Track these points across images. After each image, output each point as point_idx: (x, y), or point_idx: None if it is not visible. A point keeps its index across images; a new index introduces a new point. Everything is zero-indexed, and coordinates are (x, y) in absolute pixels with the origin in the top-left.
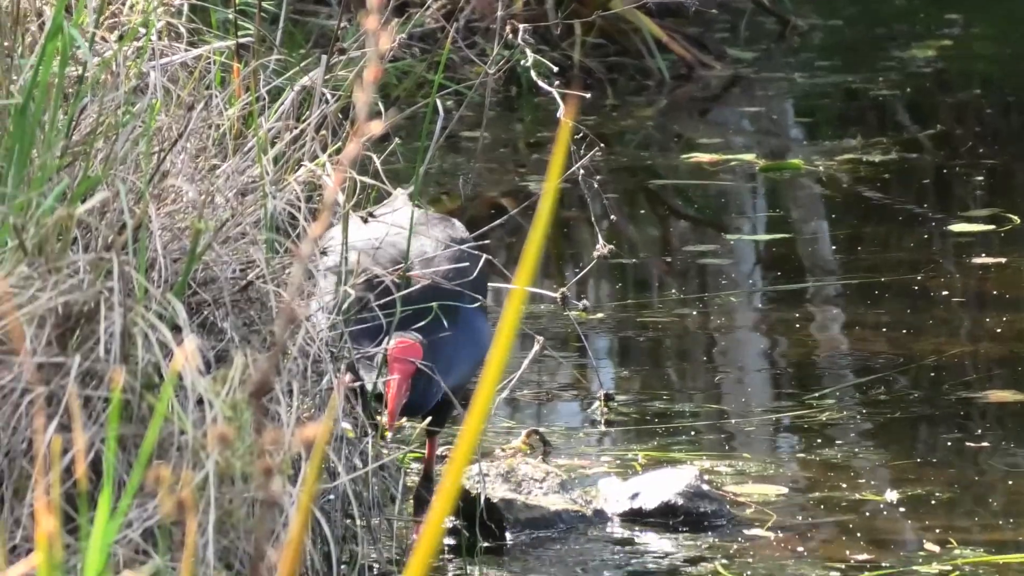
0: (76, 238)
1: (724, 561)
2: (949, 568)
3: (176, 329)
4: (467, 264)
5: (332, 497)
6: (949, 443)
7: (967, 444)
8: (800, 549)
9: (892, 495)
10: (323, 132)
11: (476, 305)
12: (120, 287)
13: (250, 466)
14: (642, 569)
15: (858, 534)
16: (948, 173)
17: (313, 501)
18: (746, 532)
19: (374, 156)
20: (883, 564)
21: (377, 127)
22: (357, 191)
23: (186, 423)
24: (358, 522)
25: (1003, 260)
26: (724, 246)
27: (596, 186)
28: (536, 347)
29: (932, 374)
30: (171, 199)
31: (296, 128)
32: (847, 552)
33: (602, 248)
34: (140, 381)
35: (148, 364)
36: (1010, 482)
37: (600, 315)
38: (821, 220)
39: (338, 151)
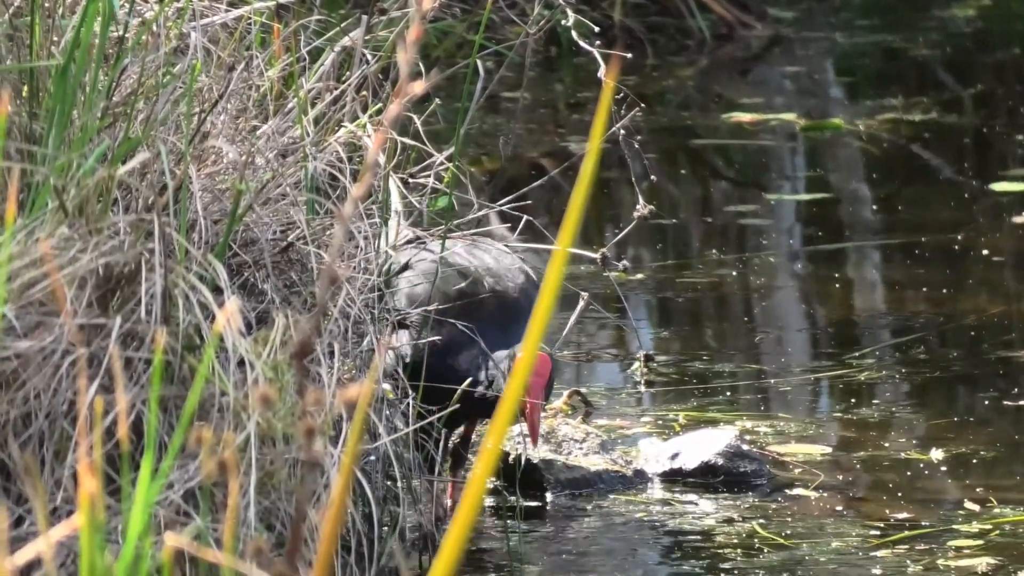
0: (117, 199)
1: (762, 521)
2: (989, 527)
3: (217, 290)
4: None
5: (373, 458)
6: (989, 402)
7: (1007, 403)
8: (840, 508)
9: (937, 454)
10: (364, 93)
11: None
12: (161, 248)
13: (291, 427)
14: (682, 529)
15: (899, 493)
16: (988, 132)
17: (355, 462)
18: (787, 492)
19: (415, 117)
20: (923, 523)
21: (418, 88)
22: (398, 152)
23: (227, 384)
24: (399, 483)
25: None
26: (764, 206)
27: (636, 146)
28: (581, 303)
29: (972, 333)
30: (212, 160)
31: (337, 89)
32: (887, 511)
33: (642, 208)
34: (181, 342)
35: (189, 325)
36: None
37: (640, 276)
38: (861, 180)
39: (379, 112)
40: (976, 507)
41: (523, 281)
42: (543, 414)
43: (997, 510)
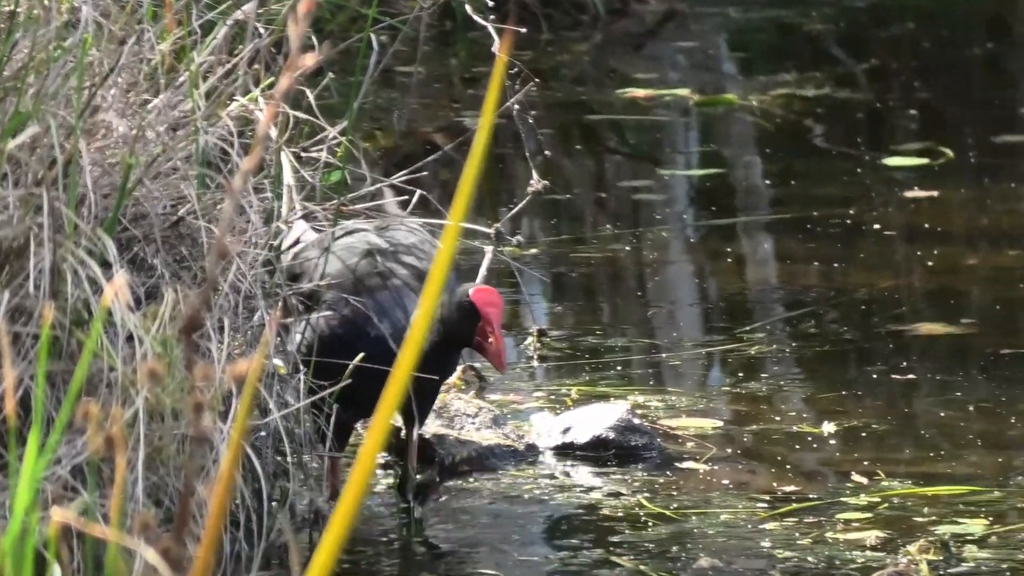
0: (6, 173)
1: (651, 494)
2: (878, 500)
3: (106, 265)
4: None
5: (263, 434)
6: (879, 376)
7: (897, 377)
8: (730, 482)
9: (829, 427)
10: (256, 66)
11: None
12: (50, 223)
13: (180, 402)
14: (572, 502)
15: (788, 466)
16: (882, 108)
17: (244, 437)
18: (677, 465)
19: (307, 91)
20: (812, 496)
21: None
22: (291, 126)
23: (116, 359)
24: (289, 459)
25: (935, 194)
26: (658, 181)
27: (531, 121)
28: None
29: (863, 307)
30: (102, 134)
31: (229, 62)
32: (776, 484)
33: (536, 183)
34: (69, 317)
35: (78, 300)
36: (941, 414)
37: (534, 251)
38: (754, 155)
39: (271, 85)
40: (865, 480)
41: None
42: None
43: (886, 483)
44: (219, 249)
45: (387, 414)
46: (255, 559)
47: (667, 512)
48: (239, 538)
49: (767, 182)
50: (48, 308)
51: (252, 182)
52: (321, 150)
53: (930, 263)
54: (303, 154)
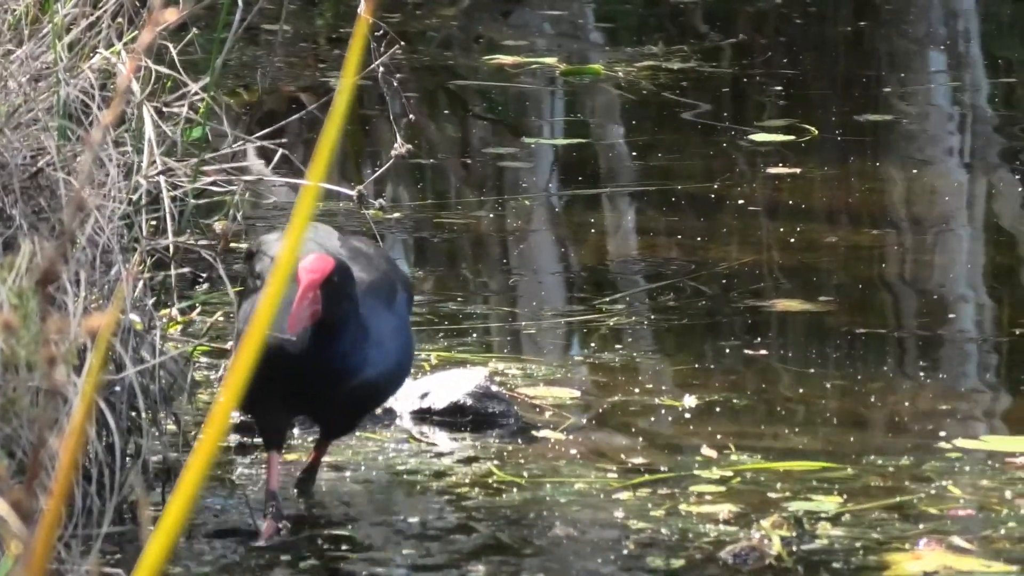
0: None
1: (506, 461)
2: (731, 474)
3: None
4: (396, 269)
5: (118, 389)
6: (735, 350)
7: (753, 352)
8: (585, 451)
9: (689, 400)
10: (119, 20)
11: (408, 309)
12: None
13: (35, 355)
14: (426, 468)
15: (644, 439)
16: (747, 82)
17: (98, 392)
18: (533, 434)
19: (171, 46)
20: (667, 468)
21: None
22: (153, 81)
23: None
24: (143, 415)
25: (798, 171)
26: (523, 149)
27: (396, 85)
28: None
29: (723, 282)
30: None
31: (92, 15)
32: (632, 455)
33: (400, 147)
34: None
35: None
36: (797, 391)
37: (397, 215)
38: (619, 126)
39: (134, 39)
40: (719, 454)
41: (383, 264)
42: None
43: (740, 458)
44: (76, 201)
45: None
46: (107, 514)
47: (521, 480)
48: (91, 493)
49: (631, 154)
50: None
51: (113, 136)
52: (183, 105)
53: (791, 239)
54: (165, 109)
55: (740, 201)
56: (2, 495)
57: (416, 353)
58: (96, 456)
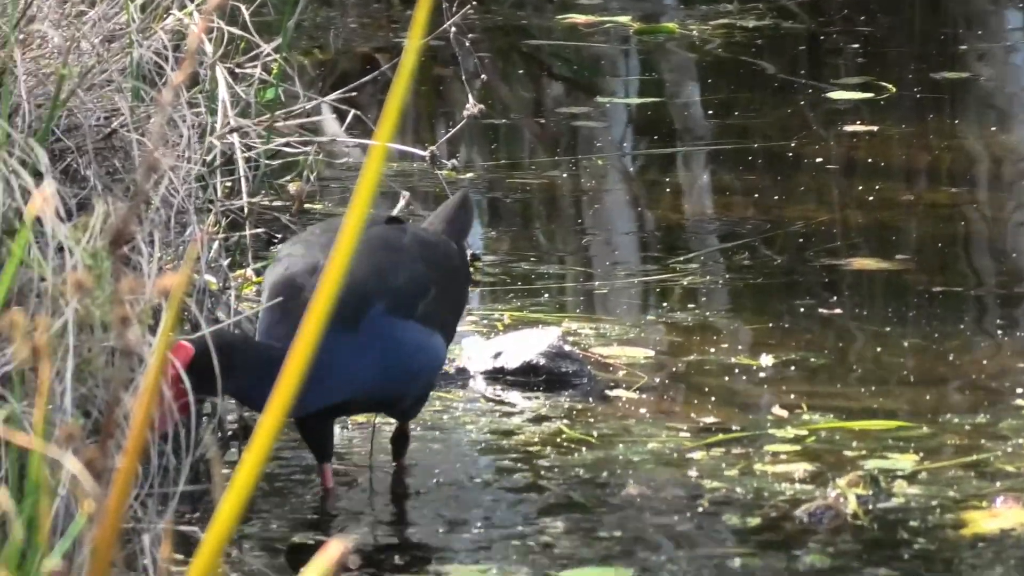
0: None
1: (578, 421)
2: (806, 433)
3: (38, 176)
4: (392, 270)
5: None
6: (811, 310)
7: (828, 311)
8: (659, 411)
9: (767, 359)
10: None
11: (399, 314)
12: None
13: (110, 315)
14: (498, 428)
15: (714, 398)
16: (823, 40)
17: (169, 350)
18: (607, 393)
19: (243, 7)
20: (741, 428)
21: None
22: (226, 42)
23: (46, 270)
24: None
25: (875, 128)
26: (597, 109)
27: (468, 45)
28: (401, 202)
29: (799, 241)
30: (37, 44)
31: None
32: (706, 415)
33: (472, 107)
34: (1, 227)
35: (9, 210)
36: (875, 349)
37: (471, 175)
38: (694, 85)
39: (206, 1)
40: (793, 413)
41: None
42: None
43: (815, 417)
44: (149, 162)
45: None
46: (183, 472)
47: (593, 439)
48: (167, 452)
49: (707, 112)
50: None
51: (186, 97)
52: (256, 67)
53: (869, 198)
54: (238, 70)
55: (817, 159)
56: (76, 454)
57: (489, 313)
58: (172, 415)
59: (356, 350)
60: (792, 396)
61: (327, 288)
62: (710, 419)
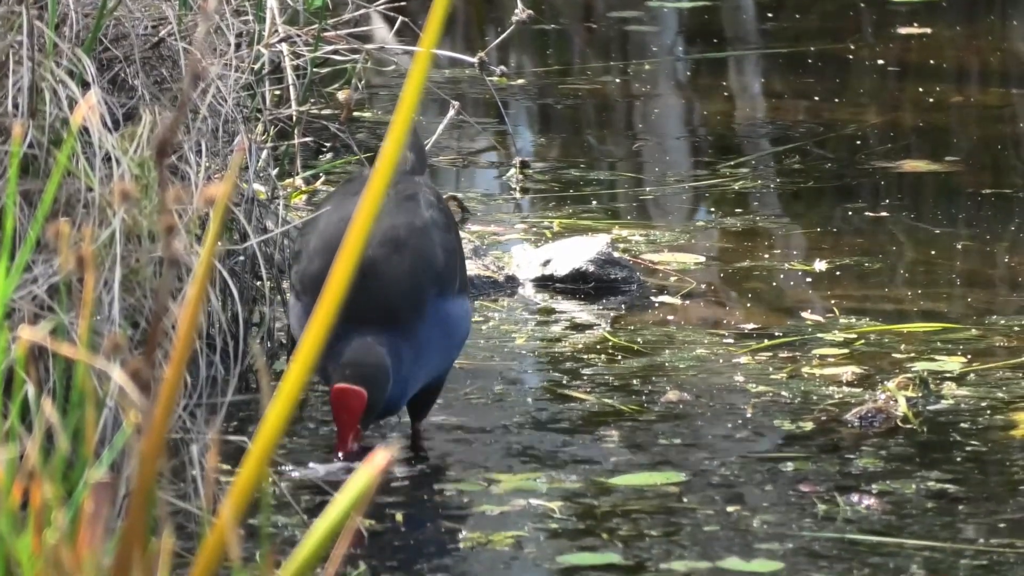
0: None
1: (622, 328)
2: (854, 336)
3: (86, 86)
4: (432, 253)
5: (242, 258)
6: (861, 213)
7: (879, 214)
8: (707, 316)
9: (820, 265)
10: None
11: (448, 293)
12: (30, 42)
13: (157, 224)
14: (545, 335)
15: (767, 302)
16: None
17: (219, 261)
18: (655, 300)
19: None
20: (789, 332)
21: None
22: None
23: (93, 179)
24: (267, 284)
25: (928, 30)
26: (648, 13)
27: None
28: (451, 112)
29: (851, 144)
30: None
31: None
32: (742, 320)
33: (521, 13)
34: (48, 136)
35: (56, 120)
36: (930, 251)
37: (521, 81)
38: None
39: None
40: (841, 317)
41: (410, 262)
42: (362, 442)
43: (863, 320)
44: (193, 70)
45: (355, 244)
46: (231, 383)
47: (637, 346)
48: (215, 362)
49: (764, 15)
50: (18, 125)
51: (234, 5)
52: None
53: (920, 100)
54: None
55: (868, 62)
56: (122, 365)
57: (538, 220)
58: (220, 326)
59: (429, 338)
60: (842, 300)
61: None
62: (757, 324)
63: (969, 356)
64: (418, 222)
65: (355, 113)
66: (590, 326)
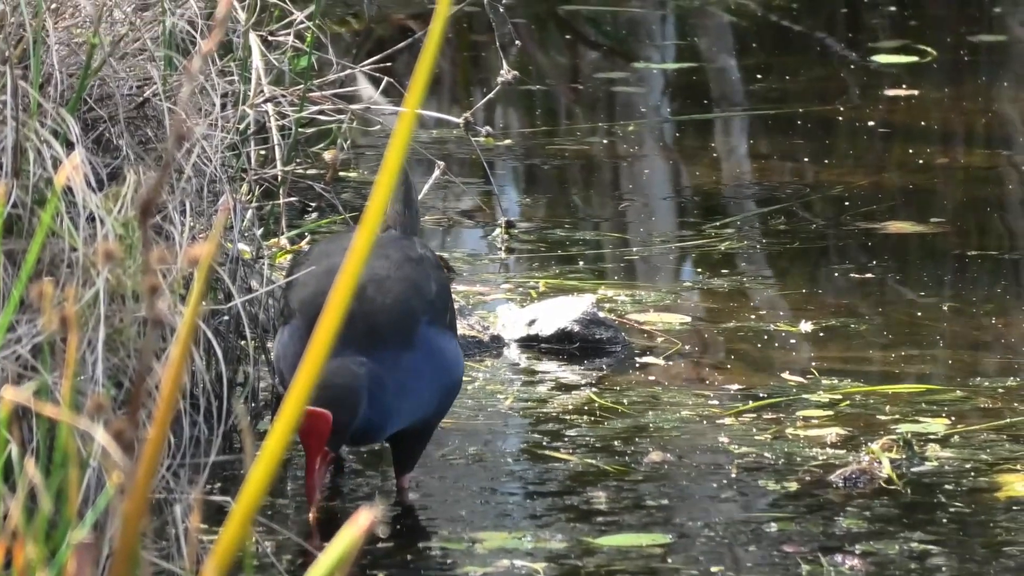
0: None
1: (606, 388)
2: (839, 397)
3: (70, 146)
4: (426, 283)
5: (227, 318)
6: (847, 274)
7: (864, 275)
8: (692, 377)
9: (805, 326)
10: None
11: (438, 325)
12: (14, 102)
13: (140, 285)
14: (530, 396)
15: (751, 364)
16: (860, 3)
17: (203, 321)
18: (640, 360)
19: None
20: (773, 394)
21: None
22: (259, 9)
23: (77, 239)
24: (251, 344)
25: (915, 92)
26: (634, 74)
27: (502, 11)
28: (437, 171)
29: (835, 205)
30: (69, 13)
31: None
32: (728, 381)
33: (506, 73)
34: (32, 196)
35: (40, 179)
36: (915, 313)
37: (507, 141)
38: (731, 49)
39: None
40: (824, 378)
41: (397, 294)
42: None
43: (846, 381)
44: (178, 130)
45: (344, 292)
46: (215, 443)
47: (623, 407)
48: (199, 422)
49: (749, 76)
50: (2, 185)
51: (219, 65)
52: (289, 34)
53: (906, 161)
54: (271, 38)
55: (855, 123)
56: (105, 425)
57: (524, 280)
58: (204, 386)
59: (417, 369)
60: (826, 362)
61: (341, 293)
62: (742, 385)
63: (953, 418)
64: (413, 254)
65: (341, 173)
66: (575, 386)
